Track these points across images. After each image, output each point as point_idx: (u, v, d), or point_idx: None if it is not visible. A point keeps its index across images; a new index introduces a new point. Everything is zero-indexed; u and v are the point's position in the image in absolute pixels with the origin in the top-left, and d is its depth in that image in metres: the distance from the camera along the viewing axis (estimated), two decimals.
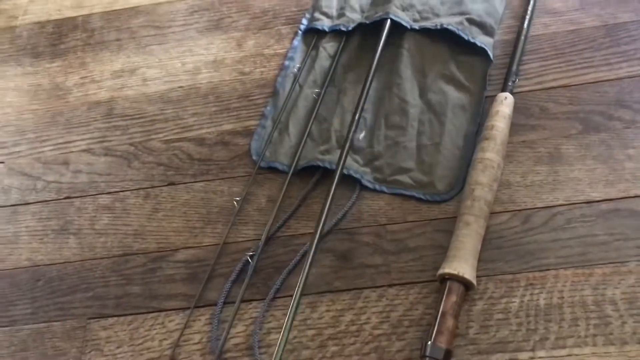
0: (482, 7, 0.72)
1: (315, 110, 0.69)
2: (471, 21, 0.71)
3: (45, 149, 0.74)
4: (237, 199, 0.64)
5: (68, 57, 0.82)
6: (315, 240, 0.57)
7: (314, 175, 0.65)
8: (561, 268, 0.56)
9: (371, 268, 0.59)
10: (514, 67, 0.68)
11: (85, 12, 0.86)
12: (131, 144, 0.72)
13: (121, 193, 0.69)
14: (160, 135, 0.72)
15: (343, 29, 0.75)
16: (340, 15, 0.76)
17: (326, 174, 0.65)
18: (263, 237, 0.61)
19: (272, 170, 0.67)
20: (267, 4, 0.81)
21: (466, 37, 0.70)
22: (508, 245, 0.59)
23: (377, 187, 0.64)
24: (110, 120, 0.75)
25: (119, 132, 0.73)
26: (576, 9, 0.73)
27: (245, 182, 0.67)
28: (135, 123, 0.74)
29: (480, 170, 0.60)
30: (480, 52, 0.69)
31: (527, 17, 0.72)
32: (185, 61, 0.78)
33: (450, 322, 0.53)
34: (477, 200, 0.58)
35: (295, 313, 0.53)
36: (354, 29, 0.74)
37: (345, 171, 0.63)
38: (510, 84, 0.67)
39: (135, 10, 0.84)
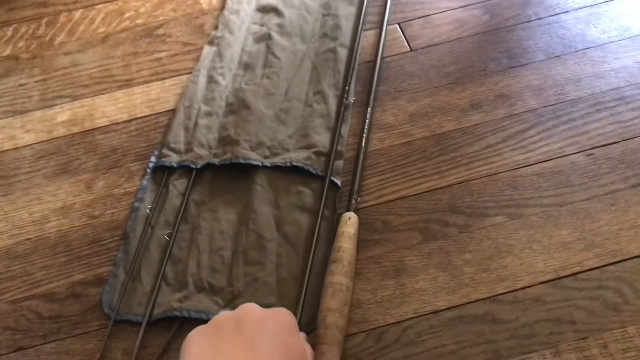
0: (328, 137, 0.77)
1: (168, 252, 0.69)
2: (318, 153, 0.75)
3: None
4: None
5: None
6: None
7: (174, 323, 0.64)
8: None
9: None
10: (356, 186, 0.71)
11: None
12: None
13: None
14: (7, 295, 0.69)
15: (192, 166, 0.76)
16: (188, 150, 0.77)
17: (186, 321, 0.64)
18: None
19: (128, 322, 0.65)
20: (116, 142, 0.82)
21: (314, 172, 0.74)
22: None
23: None
24: None
25: None
26: (407, 122, 0.79)
27: (99, 338, 0.64)
28: None
29: (330, 295, 0.62)
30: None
31: (364, 135, 0.76)
32: (33, 210, 0.76)
33: None
34: (329, 327, 0.59)
35: None
36: (203, 166, 0.76)
37: (204, 316, 0.63)
38: (353, 202, 0.70)
39: None
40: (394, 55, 0.86)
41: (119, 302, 0.65)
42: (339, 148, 0.75)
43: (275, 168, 0.75)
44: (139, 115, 0.84)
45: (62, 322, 0.66)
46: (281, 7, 0.93)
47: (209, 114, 0.81)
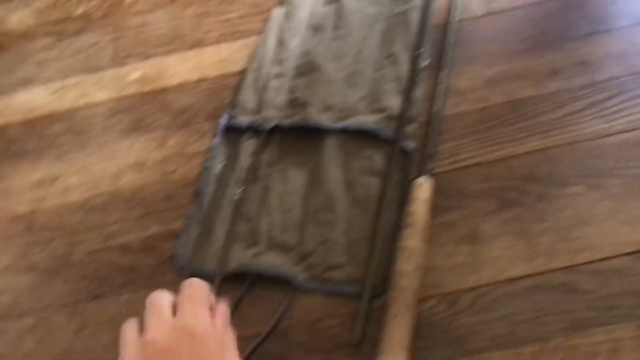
0: (399, 101, 0.75)
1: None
2: (389, 117, 0.74)
3: None
4: None
5: None
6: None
7: (245, 279, 0.65)
8: (492, 351, 0.57)
9: None
10: (429, 151, 0.70)
11: (2, 122, 0.85)
12: (54, 259, 0.70)
13: (45, 312, 0.66)
14: (84, 246, 0.71)
15: (262, 127, 0.76)
16: (258, 111, 0.78)
17: (259, 277, 0.65)
18: None
19: (200, 276, 0.66)
20: (187, 102, 0.82)
21: (384, 136, 0.73)
22: (438, 332, 0.59)
23: (311, 285, 0.64)
24: (32, 235, 0.73)
25: (41, 246, 0.71)
26: (482, 87, 0.76)
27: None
28: (57, 235, 0.72)
29: (404, 258, 0.61)
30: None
31: (440, 99, 0.74)
32: (107, 166, 0.77)
33: None
34: (403, 290, 0.59)
35: None
36: (273, 128, 0.76)
37: (276, 272, 0.64)
38: (427, 167, 0.69)
39: (53, 118, 0.83)
40: (469, 19, 0.84)
41: (192, 256, 0.66)
42: (410, 112, 0.74)
43: (345, 131, 0.74)
44: (209, 76, 0.84)
45: (137, 274, 0.68)
46: None
47: (278, 76, 0.81)
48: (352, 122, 0.75)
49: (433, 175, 0.69)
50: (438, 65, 0.78)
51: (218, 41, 0.88)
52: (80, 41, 0.92)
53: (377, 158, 0.72)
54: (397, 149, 0.71)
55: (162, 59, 0.87)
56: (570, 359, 0.56)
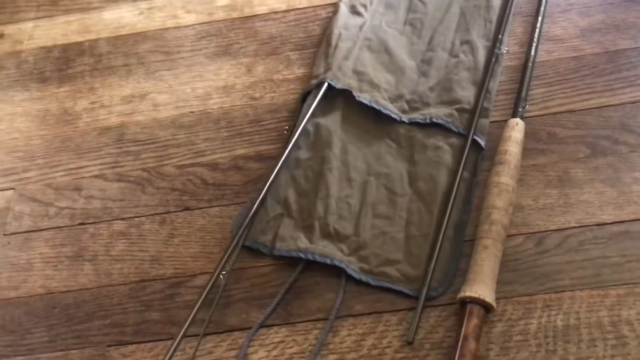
0: (473, 93, 0.71)
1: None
2: (462, 110, 0.70)
3: (57, 174, 0.74)
4: (224, 272, 0.60)
5: (76, 82, 0.82)
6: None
7: (298, 263, 0.63)
8: (577, 289, 0.58)
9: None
10: (523, 94, 0.70)
11: (92, 37, 0.86)
12: (144, 170, 0.72)
13: (136, 219, 0.69)
14: (174, 160, 0.73)
15: (330, 82, 0.71)
16: (327, 69, 0.73)
17: (311, 263, 0.63)
18: None
19: (255, 250, 0.64)
20: (275, 30, 0.83)
21: (456, 130, 0.69)
22: (523, 268, 0.60)
23: (363, 278, 0.61)
24: (122, 146, 0.75)
25: (131, 157, 0.74)
26: (577, 36, 0.75)
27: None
28: (147, 148, 0.74)
29: (496, 194, 0.62)
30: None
31: (534, 44, 0.74)
32: (196, 86, 0.79)
33: (472, 345, 0.54)
34: (495, 224, 0.60)
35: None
36: (341, 91, 0.72)
37: (328, 261, 0.62)
38: (520, 109, 0.69)
39: (142, 36, 0.85)
40: None
41: (248, 226, 0.63)
42: (485, 105, 0.70)
43: (414, 124, 0.70)
44: (298, 7, 0.85)
45: (225, 190, 0.69)
46: None
47: (348, 39, 0.77)
48: (421, 114, 0.70)
49: (524, 118, 0.69)
50: (534, 11, 0.77)
51: None
52: None
53: (445, 150, 0.67)
54: (469, 144, 0.66)
55: None
56: None
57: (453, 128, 0.69)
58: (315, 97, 0.71)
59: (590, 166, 0.65)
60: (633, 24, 0.75)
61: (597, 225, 0.62)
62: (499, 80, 0.73)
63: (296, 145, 0.69)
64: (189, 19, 0.86)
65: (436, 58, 0.75)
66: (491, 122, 0.70)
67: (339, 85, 0.72)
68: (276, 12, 0.84)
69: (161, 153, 0.74)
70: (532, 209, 0.64)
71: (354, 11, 0.80)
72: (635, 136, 0.67)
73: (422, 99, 0.72)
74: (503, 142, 0.65)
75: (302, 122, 0.69)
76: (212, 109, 0.77)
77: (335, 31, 0.78)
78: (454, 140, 0.69)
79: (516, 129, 0.66)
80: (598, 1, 0.78)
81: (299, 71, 0.78)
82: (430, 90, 0.73)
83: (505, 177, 0.62)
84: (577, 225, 0.62)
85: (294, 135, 0.68)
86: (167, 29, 0.85)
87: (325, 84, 0.72)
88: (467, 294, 0.56)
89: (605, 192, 0.63)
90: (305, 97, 0.73)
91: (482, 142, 0.67)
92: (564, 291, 0.58)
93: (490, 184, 0.63)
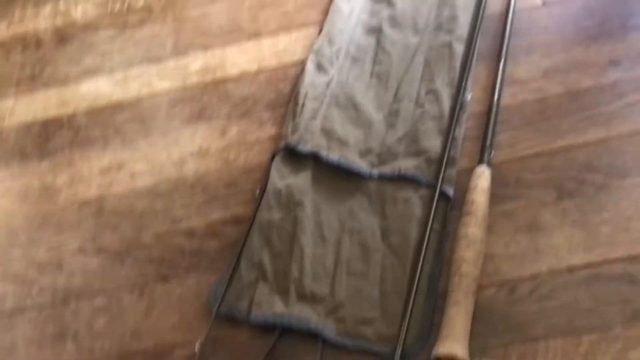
0: (439, 142, 0.72)
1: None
2: (429, 160, 0.71)
3: (39, 251, 0.75)
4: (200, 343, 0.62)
5: (56, 156, 0.84)
6: None
7: (274, 330, 0.63)
8: (550, 339, 0.58)
9: None
10: (489, 140, 0.71)
11: (70, 110, 0.88)
12: (123, 241, 0.74)
13: (116, 293, 0.70)
14: (151, 230, 0.74)
15: (298, 147, 0.73)
16: (294, 130, 0.75)
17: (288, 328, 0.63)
18: None
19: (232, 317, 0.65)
20: (247, 91, 0.84)
21: (425, 181, 0.69)
22: (497, 319, 0.60)
23: (340, 341, 0.61)
24: (101, 219, 0.76)
25: (110, 230, 0.75)
26: (541, 78, 0.76)
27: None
28: (126, 220, 0.75)
29: (465, 246, 0.62)
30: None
31: (497, 89, 0.75)
32: (171, 153, 0.81)
33: None
34: (465, 276, 0.60)
35: None
36: (310, 154, 0.73)
37: (305, 325, 0.62)
38: (486, 156, 0.69)
39: (119, 106, 0.87)
40: (526, 8, 0.84)
41: (224, 293, 0.65)
42: (451, 154, 0.70)
43: (383, 177, 0.71)
44: (268, 67, 0.86)
45: (202, 257, 0.71)
46: None
47: (314, 99, 0.77)
48: (390, 167, 0.71)
49: (491, 164, 0.70)
50: (497, 55, 0.78)
51: (275, 32, 0.90)
52: (142, 32, 0.95)
53: (414, 203, 0.68)
54: (437, 195, 0.67)
55: (221, 49, 0.90)
56: (630, 348, 0.57)
57: (421, 179, 0.70)
58: (284, 159, 0.73)
59: (558, 209, 0.66)
60: (594, 62, 0.76)
61: (568, 270, 0.62)
62: (465, 127, 0.74)
63: (268, 207, 0.70)
64: (163, 86, 0.88)
65: (403, 109, 0.76)
66: (458, 170, 0.71)
67: (305, 149, 0.73)
68: (247, 74, 0.86)
69: (139, 223, 0.75)
70: (503, 257, 0.64)
71: (320, 69, 0.81)
72: (601, 176, 0.67)
73: (390, 151, 0.73)
74: (470, 191, 0.66)
75: (271, 184, 0.71)
76: (187, 174, 0.78)
77: (302, 90, 0.79)
78: (423, 191, 0.69)
79: (482, 177, 0.67)
80: (559, 40, 0.79)
81: (271, 130, 0.80)
82: (398, 142, 0.74)
83: (473, 228, 0.63)
84: (548, 271, 0.62)
85: (264, 198, 0.70)
86: (142, 97, 0.87)
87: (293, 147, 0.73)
88: (441, 351, 0.56)
89: (574, 236, 0.64)
90: (274, 158, 0.75)
91: (450, 192, 0.68)
92: (538, 340, 0.58)
93: (459, 236, 0.63)
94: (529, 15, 0.83)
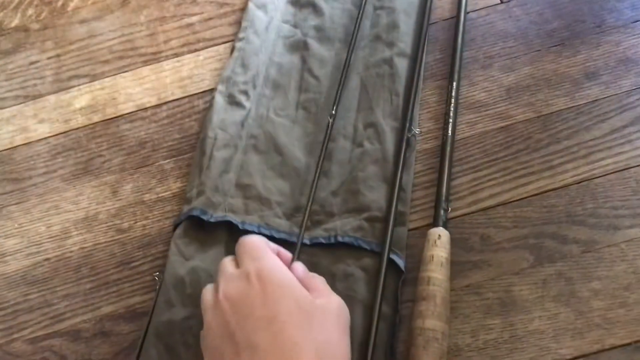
0: (384, 193, 0.57)
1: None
2: (373, 219, 0.56)
3: None
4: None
5: None
6: None
7: None
8: None
9: None
10: (444, 191, 0.56)
11: None
12: None
13: None
14: (25, 332, 0.58)
15: (203, 217, 0.57)
16: (200, 193, 0.58)
17: None
18: None
19: None
20: (144, 133, 0.68)
21: (368, 247, 0.54)
22: None
23: None
24: None
25: None
26: (503, 99, 0.62)
27: None
28: None
29: (422, 346, 0.48)
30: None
31: (451, 119, 0.60)
32: (51, 222, 0.64)
33: None
34: None
35: None
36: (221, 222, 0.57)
37: None
38: (442, 214, 0.55)
39: None
40: (481, 9, 0.69)
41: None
42: (400, 208, 0.56)
43: (316, 244, 0.56)
44: (170, 98, 0.70)
45: None
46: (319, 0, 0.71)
47: (226, 145, 0.61)
48: (325, 231, 0.56)
49: (449, 220, 0.55)
50: (448, 73, 0.64)
51: (179, 53, 0.73)
52: (17, 60, 0.77)
53: (358, 279, 0.53)
54: (385, 267, 0.52)
55: (113, 78, 0.73)
56: None
57: (364, 246, 0.55)
58: (187, 232, 0.57)
59: (536, 279, 0.52)
60: (565, 75, 0.62)
61: None
62: (415, 170, 0.59)
63: (167, 304, 0.54)
64: (42, 130, 0.70)
65: (337, 150, 0.61)
66: (410, 229, 0.56)
67: (214, 218, 0.57)
68: (145, 109, 0.69)
69: (10, 323, 0.58)
70: (472, 349, 0.50)
71: (233, 101, 0.65)
72: (586, 229, 0.53)
73: (324, 208, 0.58)
74: (424, 265, 0.52)
75: (170, 271, 0.54)
76: (71, 251, 0.61)
77: (210, 134, 0.62)
78: (368, 261, 0.54)
79: (439, 243, 0.52)
80: (523, 49, 0.65)
81: (175, 185, 0.64)
82: (333, 195, 0.58)
83: (430, 319, 0.49)
84: None
85: (162, 290, 0.54)
86: (16, 147, 0.70)
87: (209, 223, 0.57)
88: None
89: (559, 315, 0.50)
90: (176, 230, 0.58)
91: (401, 263, 0.53)
92: None
93: (414, 330, 0.49)
94: (485, 17, 0.68)
